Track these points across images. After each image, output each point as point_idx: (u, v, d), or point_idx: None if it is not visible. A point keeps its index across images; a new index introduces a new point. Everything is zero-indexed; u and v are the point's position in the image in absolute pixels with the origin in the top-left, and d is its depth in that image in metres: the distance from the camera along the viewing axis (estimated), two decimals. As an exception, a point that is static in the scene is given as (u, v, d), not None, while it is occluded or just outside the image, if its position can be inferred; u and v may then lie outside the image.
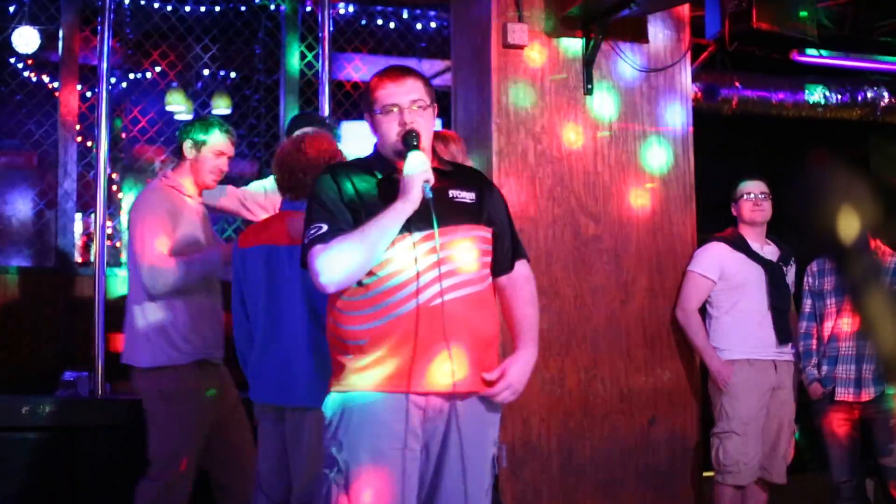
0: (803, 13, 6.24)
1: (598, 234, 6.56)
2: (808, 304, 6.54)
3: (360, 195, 3.77)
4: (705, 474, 6.54)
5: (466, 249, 3.81)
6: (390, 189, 3.74)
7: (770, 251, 6.43)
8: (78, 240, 9.22)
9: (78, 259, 8.79)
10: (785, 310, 6.34)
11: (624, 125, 6.72)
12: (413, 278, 3.68)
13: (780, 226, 6.49)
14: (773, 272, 6.34)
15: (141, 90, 10.78)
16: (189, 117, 10.36)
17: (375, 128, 3.88)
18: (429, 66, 9.59)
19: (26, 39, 8.61)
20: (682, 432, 6.57)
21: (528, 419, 6.19)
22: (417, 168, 3.69)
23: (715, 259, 6.40)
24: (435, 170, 3.79)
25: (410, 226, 3.70)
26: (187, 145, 5.49)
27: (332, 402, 3.78)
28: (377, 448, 3.65)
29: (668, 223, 6.73)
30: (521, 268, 4.09)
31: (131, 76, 10.61)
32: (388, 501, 3.63)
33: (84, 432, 6.07)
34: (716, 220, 6.64)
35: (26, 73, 10.27)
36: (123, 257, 10.26)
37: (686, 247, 6.69)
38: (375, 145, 3.94)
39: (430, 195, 3.67)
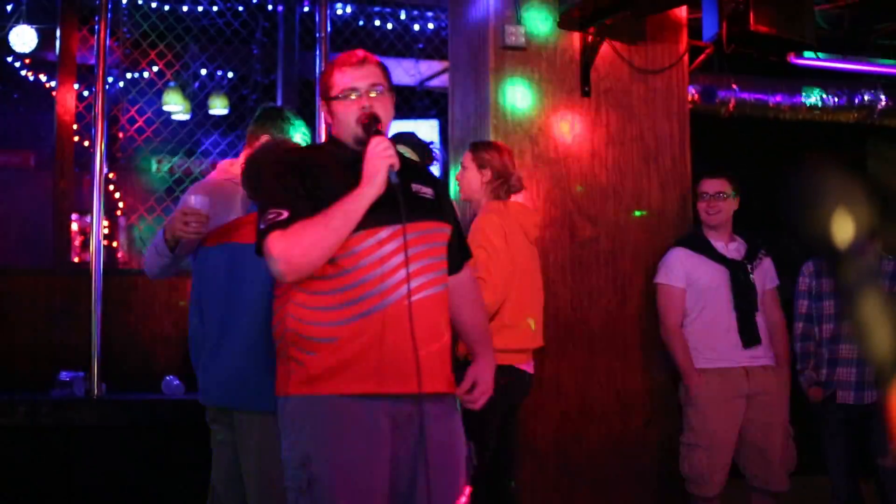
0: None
1: (595, 236, 6.57)
2: (804, 305, 6.45)
3: (320, 181, 3.62)
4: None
5: (434, 246, 3.73)
6: (351, 175, 3.60)
7: (735, 248, 6.23)
8: (74, 239, 9.22)
9: (74, 259, 8.79)
10: (750, 311, 6.10)
11: (621, 127, 6.72)
12: (389, 273, 3.56)
13: (773, 225, 6.41)
14: (735, 272, 6.13)
15: (138, 90, 10.78)
16: (186, 117, 10.37)
17: (332, 112, 3.76)
18: (426, 67, 9.60)
19: (23, 38, 8.61)
20: (677, 434, 6.56)
21: (525, 420, 6.18)
22: (382, 152, 3.58)
23: (677, 265, 6.19)
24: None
25: (380, 218, 3.57)
26: (264, 138, 5.38)
27: (292, 406, 3.61)
28: (350, 459, 3.51)
29: (665, 225, 6.73)
30: (467, 270, 4.05)
31: (128, 76, 10.61)
32: None
33: (80, 432, 6.06)
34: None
35: (23, 73, 10.28)
36: (120, 256, 10.28)
37: (683, 249, 6.70)
38: (330, 131, 3.85)
39: (395, 180, 3.56)
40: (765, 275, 6.26)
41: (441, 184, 3.98)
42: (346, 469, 3.50)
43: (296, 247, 3.49)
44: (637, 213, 6.71)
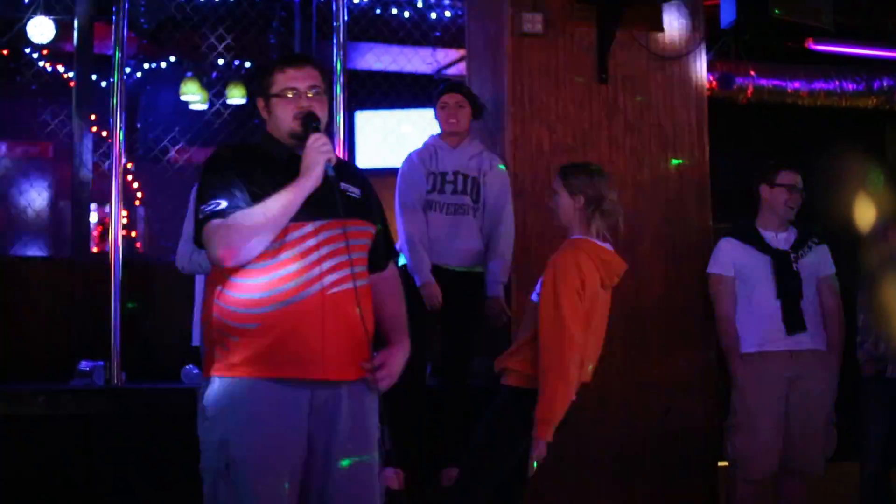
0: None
1: (613, 224, 6.55)
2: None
3: (255, 175, 3.76)
4: (720, 464, 6.52)
5: (359, 241, 3.86)
6: (287, 171, 3.75)
7: (784, 238, 6.24)
8: (93, 230, 9.23)
9: (93, 249, 8.81)
10: (794, 299, 6.12)
11: (639, 114, 6.71)
12: (310, 266, 3.71)
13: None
14: (779, 261, 6.15)
15: (156, 80, 10.79)
16: (204, 107, 10.37)
17: (269, 109, 3.90)
18: (443, 56, 9.58)
19: (41, 30, 8.63)
20: (696, 422, 6.57)
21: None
22: (321, 147, 3.72)
23: (726, 255, 6.26)
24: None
25: (308, 213, 3.71)
26: None
27: (214, 389, 3.75)
28: (266, 443, 3.65)
29: (684, 212, 6.72)
30: (392, 268, 4.17)
31: (146, 66, 10.62)
32: (278, 497, 3.64)
33: (100, 422, 6.08)
34: (731, 209, 6.61)
35: (42, 64, 10.30)
36: (139, 247, 10.30)
37: (701, 236, 6.69)
38: (266, 129, 3.95)
39: (332, 174, 3.71)
40: (818, 263, 6.26)
41: (368, 184, 4.11)
42: (261, 453, 3.65)
43: (234, 234, 3.65)
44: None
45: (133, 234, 10.66)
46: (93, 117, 8.03)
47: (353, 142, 10.56)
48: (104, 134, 8.77)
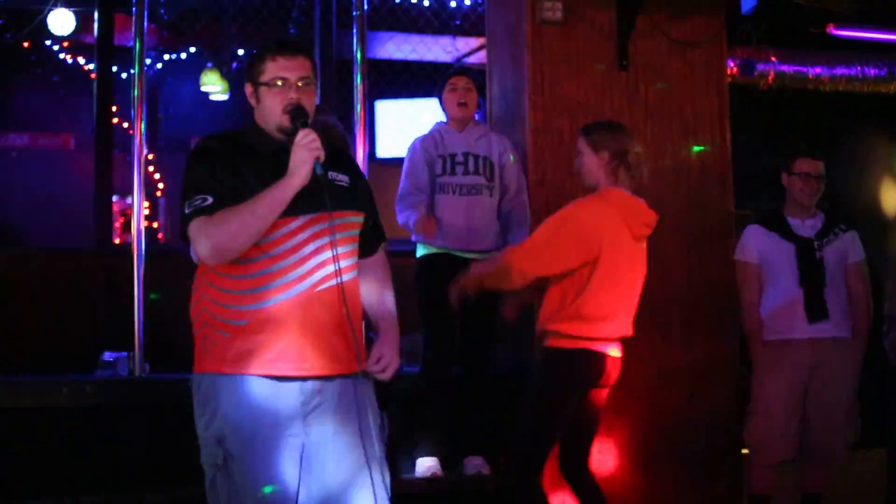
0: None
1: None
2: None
3: (242, 168, 3.73)
4: (744, 451, 6.51)
5: (345, 235, 3.82)
6: (274, 164, 3.70)
7: (811, 225, 6.24)
8: (115, 221, 9.26)
9: (116, 240, 8.83)
10: (817, 287, 6.13)
11: (659, 101, 6.69)
12: (301, 261, 3.69)
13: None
14: (802, 249, 6.17)
15: (176, 71, 10.81)
16: (225, 97, 10.38)
17: (258, 97, 3.85)
18: (464, 44, 9.57)
19: (62, 22, 8.65)
20: (720, 409, 6.55)
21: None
22: (310, 144, 3.67)
23: (751, 242, 6.29)
24: None
25: (297, 207, 3.67)
26: None
27: (206, 384, 3.76)
28: (265, 437, 3.65)
29: (706, 199, 6.70)
30: (381, 252, 4.14)
31: (167, 57, 10.64)
32: (278, 490, 3.64)
33: (124, 412, 6.10)
34: (753, 196, 6.59)
35: (62, 56, 10.33)
36: (161, 238, 10.32)
37: (723, 223, 6.67)
38: (253, 117, 3.91)
39: (320, 171, 3.66)
40: (846, 250, 6.26)
41: (357, 168, 4.09)
42: (256, 448, 3.65)
43: (221, 232, 3.62)
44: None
45: (155, 224, 10.70)
46: (114, 109, 8.05)
47: (374, 132, 10.56)
48: (125, 125, 8.78)
